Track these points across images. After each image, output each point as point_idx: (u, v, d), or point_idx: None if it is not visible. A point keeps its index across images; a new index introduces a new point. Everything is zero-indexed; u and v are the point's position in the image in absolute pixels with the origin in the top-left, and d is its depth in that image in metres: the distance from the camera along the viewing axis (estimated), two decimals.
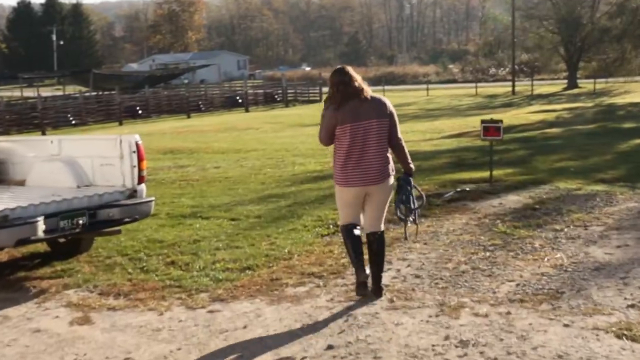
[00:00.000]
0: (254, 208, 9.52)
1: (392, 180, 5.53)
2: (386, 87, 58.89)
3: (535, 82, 52.91)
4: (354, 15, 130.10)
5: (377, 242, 5.56)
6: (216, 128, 30.74)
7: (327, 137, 5.50)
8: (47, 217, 6.10)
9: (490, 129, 10.85)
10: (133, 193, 6.93)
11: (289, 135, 23.45)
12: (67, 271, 6.76)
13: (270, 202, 9.90)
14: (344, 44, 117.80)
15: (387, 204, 5.64)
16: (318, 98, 51.35)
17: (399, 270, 6.22)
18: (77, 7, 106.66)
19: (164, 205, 10.21)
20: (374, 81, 72.47)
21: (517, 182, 10.88)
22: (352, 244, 5.48)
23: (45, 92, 58.75)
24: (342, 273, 6.23)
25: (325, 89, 48.27)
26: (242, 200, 10.25)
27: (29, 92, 54.99)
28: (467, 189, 10.08)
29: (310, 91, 53.54)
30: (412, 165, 5.67)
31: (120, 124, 40.51)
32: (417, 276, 6.02)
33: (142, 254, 7.29)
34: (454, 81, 72.60)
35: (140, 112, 44.61)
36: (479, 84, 56.36)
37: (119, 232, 7.14)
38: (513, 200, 9.18)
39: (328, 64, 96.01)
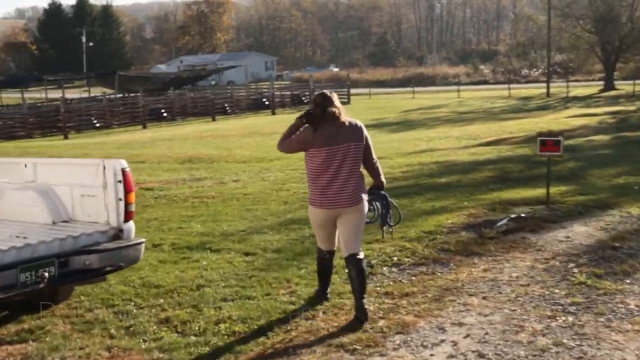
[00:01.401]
0: (272, 238, 8.12)
1: (365, 203, 5.56)
2: (416, 89, 57.27)
3: (569, 84, 50.89)
4: (383, 16, 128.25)
5: (355, 268, 5.42)
6: (240, 132, 29.49)
7: (293, 150, 5.72)
8: (3, 269, 4.76)
9: (549, 143, 9.39)
10: (118, 233, 5.56)
11: None
12: (35, 331, 5.40)
13: (291, 230, 8.48)
14: (373, 45, 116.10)
15: (362, 226, 5.58)
16: (346, 100, 49.94)
17: (455, 344, 4.74)
18: (107, 9, 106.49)
19: (170, 232, 8.90)
20: (402, 82, 71.15)
21: (577, 204, 9.41)
22: (321, 270, 5.85)
23: (73, 93, 58.13)
24: (381, 345, 4.79)
25: (353, 90, 46.93)
26: (259, 227, 8.85)
27: (56, 94, 54.19)
28: (523, 215, 8.59)
29: (338, 92, 51.99)
30: (383, 180, 5.79)
31: (144, 127, 39.46)
32: (482, 355, 4.54)
33: (131, 305, 5.92)
34: (485, 82, 70.68)
35: (165, 114, 43.57)
36: (511, 85, 54.46)
37: (102, 280, 5.77)
38: (582, 232, 7.66)
39: (356, 65, 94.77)
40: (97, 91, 58.81)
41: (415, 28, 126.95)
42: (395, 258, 6.90)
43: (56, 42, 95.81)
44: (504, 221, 8.29)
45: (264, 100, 48.88)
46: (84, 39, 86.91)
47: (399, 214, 6.08)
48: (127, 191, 5.53)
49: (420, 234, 7.81)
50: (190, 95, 50.77)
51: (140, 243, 5.61)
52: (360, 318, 5.26)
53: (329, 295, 5.84)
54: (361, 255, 5.47)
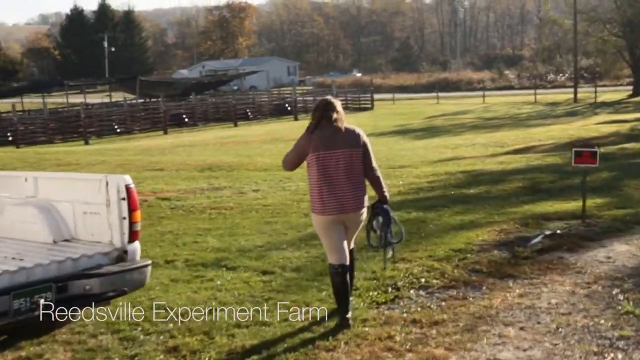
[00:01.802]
0: (292, 255, 7.67)
1: (365, 210, 5.54)
2: (440, 94, 56.58)
3: (597, 89, 49.96)
4: (405, 21, 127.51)
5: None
6: (262, 139, 29.15)
7: (294, 162, 5.59)
8: None
9: (584, 154, 8.83)
10: (122, 255, 5.13)
11: None
12: (32, 359, 5.00)
13: (312, 246, 8.00)
14: (396, 50, 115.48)
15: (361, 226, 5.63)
16: (369, 105, 49.53)
17: None
18: (128, 14, 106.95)
19: (184, 246, 8.48)
20: (426, 87, 70.47)
21: (615, 219, 8.84)
22: (337, 289, 5.43)
23: (95, 98, 58.20)
24: None
25: (376, 95, 46.37)
26: (278, 242, 8.40)
27: (78, 99, 54.27)
28: (559, 231, 8.05)
29: (361, 98, 51.66)
30: (386, 194, 5.64)
31: (165, 132, 39.30)
32: None
33: (139, 330, 5.49)
34: (511, 88, 69.67)
35: (186, 120, 43.39)
36: (537, 91, 53.63)
37: (107, 304, 5.34)
38: (623, 252, 7.11)
39: (379, 70, 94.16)
40: (118, 96, 58.90)
41: (438, 33, 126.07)
42: (423, 280, 6.41)
43: (78, 48, 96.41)
44: (539, 239, 7.76)
45: (287, 105, 48.62)
46: (105, 44, 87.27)
47: (402, 233, 5.77)
48: (131, 209, 5.10)
49: (449, 252, 7.31)
50: (212, 100, 50.65)
51: (146, 265, 5.18)
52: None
53: (350, 321, 5.35)
54: (351, 245, 5.62)
